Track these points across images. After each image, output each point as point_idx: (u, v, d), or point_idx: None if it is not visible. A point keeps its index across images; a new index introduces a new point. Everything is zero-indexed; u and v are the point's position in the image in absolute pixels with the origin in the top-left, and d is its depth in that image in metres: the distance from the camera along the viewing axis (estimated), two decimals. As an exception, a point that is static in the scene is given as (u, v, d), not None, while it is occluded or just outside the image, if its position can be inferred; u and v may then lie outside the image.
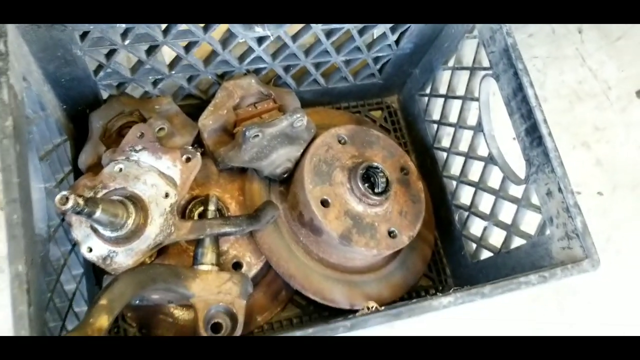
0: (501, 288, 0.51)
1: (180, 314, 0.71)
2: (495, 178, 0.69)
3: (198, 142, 0.71)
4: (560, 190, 0.56)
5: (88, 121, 0.69)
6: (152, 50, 0.63)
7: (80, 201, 0.49)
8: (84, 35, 0.57)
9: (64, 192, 0.48)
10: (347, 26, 0.68)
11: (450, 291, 0.50)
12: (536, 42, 1.04)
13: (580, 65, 1.04)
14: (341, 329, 0.47)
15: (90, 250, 0.59)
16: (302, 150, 0.71)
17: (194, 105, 0.75)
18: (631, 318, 0.86)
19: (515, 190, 0.65)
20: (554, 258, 0.57)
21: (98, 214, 0.53)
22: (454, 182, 0.78)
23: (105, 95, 0.70)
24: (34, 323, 0.44)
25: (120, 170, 0.61)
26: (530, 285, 0.51)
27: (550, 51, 1.04)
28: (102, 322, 0.48)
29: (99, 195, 0.59)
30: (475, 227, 0.75)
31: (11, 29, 0.50)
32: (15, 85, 0.50)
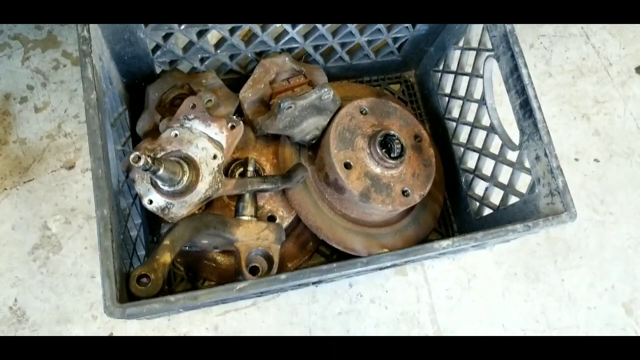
0: (491, 235, 0.61)
1: (222, 259, 0.83)
2: (495, 145, 0.79)
3: (239, 112, 0.82)
4: (546, 155, 0.66)
5: (145, 93, 0.81)
6: (202, 33, 0.74)
7: (149, 160, 0.61)
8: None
9: (137, 153, 0.59)
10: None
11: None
12: (544, 21, 1.12)
13: (584, 42, 1.11)
14: (359, 264, 0.58)
15: (151, 202, 0.71)
16: (328, 120, 0.81)
17: (234, 79, 0.86)
18: (617, 272, 0.97)
19: (512, 156, 0.75)
20: (540, 212, 0.67)
21: (161, 171, 0.64)
22: (461, 149, 0.88)
23: (158, 70, 0.81)
24: (115, 255, 0.56)
25: (176, 135, 0.72)
26: (517, 233, 0.62)
27: (557, 30, 1.12)
28: (166, 258, 0.60)
29: (159, 156, 0.71)
30: (479, 187, 0.85)
31: (92, 17, 0.61)
32: (96, 64, 0.61)
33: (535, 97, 0.68)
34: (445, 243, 0.60)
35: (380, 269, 0.68)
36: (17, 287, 0.81)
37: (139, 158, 0.59)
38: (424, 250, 0.60)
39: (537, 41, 1.10)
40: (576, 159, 1.04)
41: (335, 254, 0.89)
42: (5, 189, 0.85)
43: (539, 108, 0.68)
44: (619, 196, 1.02)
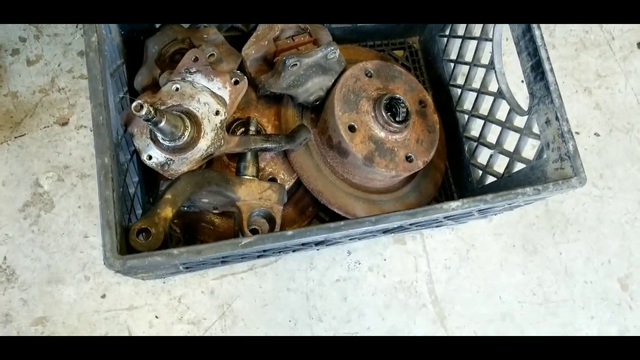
0: (501, 197, 0.60)
1: (220, 222, 0.81)
2: (502, 111, 0.78)
3: (241, 69, 0.79)
4: (557, 118, 0.64)
5: (143, 46, 0.77)
6: (205, -18, 0.71)
7: (152, 109, 0.58)
8: (149, -34, 0.64)
9: (139, 101, 0.57)
10: (379, -33, 0.75)
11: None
12: (550, -8, 1.10)
13: (589, 15, 1.10)
14: (367, 223, 0.57)
15: (150, 157, 0.68)
16: (333, 81, 0.79)
17: (235, 37, 0.83)
18: (614, 247, 0.97)
19: (519, 122, 0.74)
20: (548, 178, 0.67)
21: (163, 123, 0.61)
22: (466, 116, 0.87)
23: (157, 24, 0.78)
24: (116, 205, 0.54)
25: (177, 89, 0.69)
26: (526, 196, 0.61)
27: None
28: (167, 212, 0.59)
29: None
30: (482, 156, 0.84)
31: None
32: (97, 7, 0.58)
33: (548, 59, 0.66)
34: (454, 204, 0.59)
35: (387, 230, 0.67)
36: (6, 244, 0.79)
37: (141, 106, 0.56)
38: (433, 211, 0.59)
39: (542, 13, 1.09)
40: (577, 132, 1.03)
41: (335, 219, 0.87)
42: (-4, 143, 0.82)
43: (551, 70, 0.66)
44: (618, 171, 1.02)
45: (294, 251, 0.78)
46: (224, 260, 0.66)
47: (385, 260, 0.89)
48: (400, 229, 0.70)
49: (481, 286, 0.91)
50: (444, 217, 0.65)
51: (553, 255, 0.95)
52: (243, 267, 0.84)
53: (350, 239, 0.76)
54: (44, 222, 0.80)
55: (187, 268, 0.69)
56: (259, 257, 0.75)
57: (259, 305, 0.82)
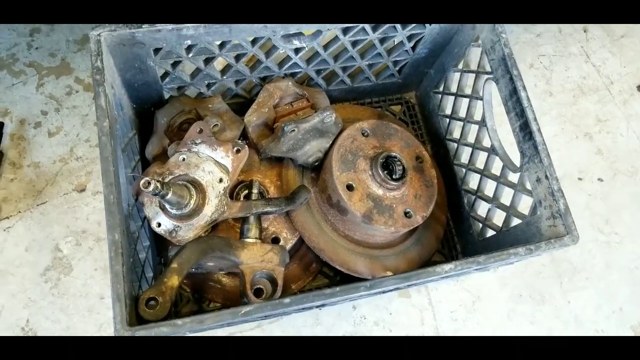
0: (494, 258, 0.62)
1: (227, 281, 0.84)
2: (497, 166, 0.80)
3: (244, 135, 0.84)
4: (546, 177, 0.67)
5: (154, 117, 0.83)
6: (209, 60, 0.76)
7: (159, 185, 0.63)
8: (157, 51, 0.70)
9: (147, 178, 0.61)
10: (369, 37, 0.80)
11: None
12: (543, 41, 1.13)
13: (584, 61, 1.13)
14: (362, 288, 0.59)
15: (159, 225, 0.72)
16: (331, 142, 0.83)
17: (239, 103, 0.88)
18: (624, 293, 0.96)
19: (513, 177, 0.76)
20: (543, 235, 0.68)
21: (170, 195, 0.66)
22: (463, 170, 0.89)
23: (167, 95, 0.84)
24: (126, 279, 0.57)
25: (184, 159, 0.74)
26: (519, 256, 0.62)
27: (557, 49, 1.13)
28: (174, 281, 0.62)
29: (167, 180, 0.73)
30: (481, 209, 0.86)
31: (104, 48, 0.64)
32: (109, 93, 0.63)
33: (535, 119, 0.69)
34: (447, 267, 0.61)
35: (384, 292, 0.69)
36: (29, 308, 0.83)
37: (149, 183, 0.61)
38: (427, 274, 0.61)
39: (537, 61, 1.12)
40: (579, 179, 1.04)
41: (338, 276, 0.89)
42: (20, 211, 0.87)
43: (539, 130, 0.69)
44: (624, 215, 1.02)
45: (297, 312, 0.81)
46: (229, 324, 0.69)
47: (390, 314, 0.90)
48: (398, 288, 0.72)
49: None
50: (441, 278, 0.67)
51: (562, 304, 0.95)
52: (251, 325, 0.86)
53: (352, 300, 0.77)
54: (63, 285, 0.85)
55: (198, 330, 0.72)
56: (262, 319, 0.77)
57: (266, 362, 0.84)
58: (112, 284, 0.55)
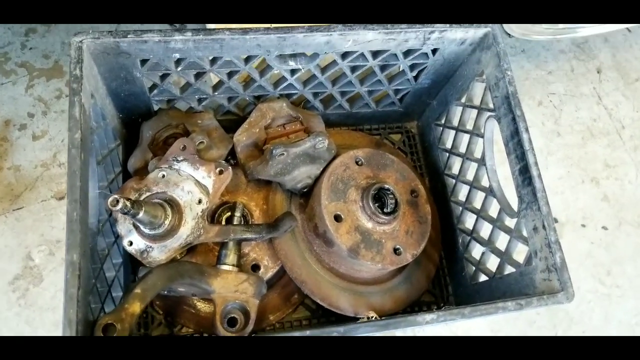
0: (480, 311, 0.57)
1: (202, 306, 0.80)
2: (494, 208, 0.76)
3: (232, 154, 0.80)
4: (544, 227, 0.62)
5: (139, 129, 0.80)
6: (200, 75, 0.73)
7: (128, 203, 0.59)
8: (144, 62, 0.67)
9: (115, 196, 0.57)
10: (369, 63, 0.76)
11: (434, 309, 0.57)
12: (555, 79, 1.09)
13: (596, 103, 1.09)
14: (335, 333, 0.55)
15: (131, 244, 0.69)
16: (321, 169, 0.79)
17: (231, 120, 0.85)
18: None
19: (510, 222, 0.72)
20: (536, 287, 0.63)
21: (141, 214, 0.62)
22: (460, 208, 0.85)
23: (156, 107, 0.81)
24: (80, 304, 0.53)
25: (163, 176, 0.70)
26: (507, 311, 0.58)
27: (568, 89, 1.09)
28: (135, 308, 0.57)
29: (143, 197, 0.69)
30: (475, 251, 0.81)
31: (87, 55, 0.61)
32: (85, 103, 0.60)
33: (536, 164, 0.65)
34: (429, 317, 0.56)
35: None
36: (-8, 318, 0.79)
37: (117, 202, 0.57)
38: (407, 323, 0.56)
39: (546, 99, 1.08)
40: (583, 225, 0.99)
41: (320, 309, 0.85)
42: (-6, 215, 0.84)
43: (539, 176, 0.64)
44: (628, 268, 0.96)
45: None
46: None
47: (372, 351, 0.85)
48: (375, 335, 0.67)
49: (475, 387, 0.86)
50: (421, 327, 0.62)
51: (555, 357, 0.89)
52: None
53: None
54: (31, 296, 0.81)
55: None
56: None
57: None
58: (64, 308, 0.51)
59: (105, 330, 0.55)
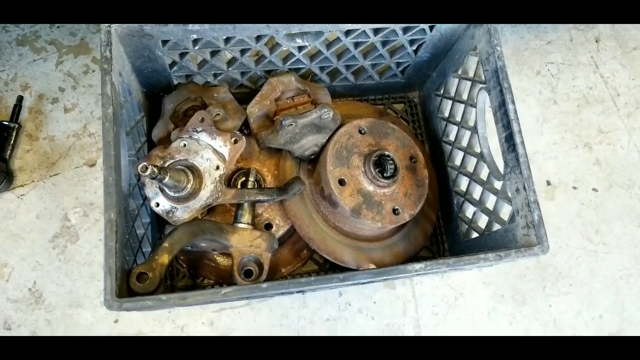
0: (463, 261, 0.65)
1: (221, 260, 0.90)
2: (485, 172, 0.83)
3: (246, 125, 0.88)
4: (524, 188, 0.69)
5: (162, 102, 0.88)
6: (215, 53, 0.80)
7: (155, 170, 0.67)
8: (164, 42, 0.74)
9: (144, 163, 0.66)
10: (371, 39, 0.82)
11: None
12: (553, 49, 1.13)
13: (593, 72, 1.13)
14: (336, 280, 0.63)
15: (158, 205, 0.78)
16: (327, 137, 0.87)
17: (244, 93, 0.92)
18: (606, 302, 0.99)
19: (498, 184, 0.79)
20: (518, 242, 0.71)
21: (167, 179, 0.71)
22: (455, 172, 0.92)
23: (176, 82, 0.88)
24: (118, 255, 0.62)
25: (185, 145, 0.79)
26: (488, 261, 0.66)
27: (566, 58, 1.13)
28: (164, 259, 0.67)
29: (167, 163, 0.78)
30: (468, 211, 0.89)
31: (114, 38, 0.68)
32: (115, 81, 0.68)
33: (519, 132, 0.71)
34: (417, 266, 0.64)
35: (357, 284, 0.73)
36: (37, 271, 0.90)
37: (146, 168, 0.66)
38: (398, 272, 0.64)
39: (544, 68, 1.12)
40: (574, 187, 1.06)
41: (327, 263, 0.94)
42: (33, 181, 0.94)
43: (522, 143, 0.71)
44: (615, 227, 1.03)
45: (280, 295, 0.85)
46: (212, 302, 0.74)
47: (374, 303, 0.95)
48: (372, 281, 0.76)
49: (467, 334, 0.95)
50: (412, 276, 0.70)
51: (542, 307, 0.98)
52: (241, 303, 0.91)
53: (331, 288, 0.82)
54: (69, 252, 0.91)
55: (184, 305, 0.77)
56: (246, 299, 0.82)
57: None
58: (105, 259, 0.61)
59: (139, 277, 0.65)
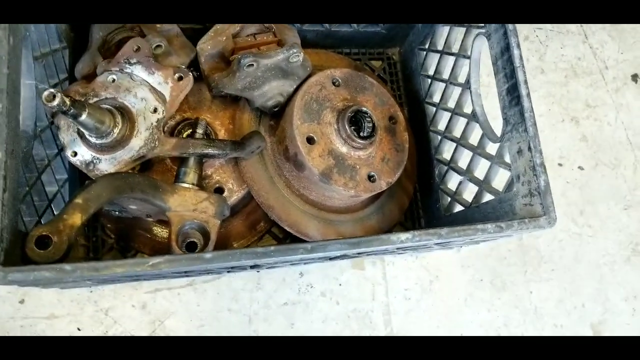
0: (458, 232, 0.53)
1: (159, 230, 0.74)
2: (475, 136, 0.71)
3: (194, 65, 0.72)
4: (530, 149, 0.58)
5: (89, 31, 0.70)
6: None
7: (67, 101, 0.51)
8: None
9: (52, 90, 0.49)
10: (352, -34, 0.68)
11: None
12: (543, 13, 1.04)
13: (582, 41, 1.04)
14: (301, 251, 0.49)
15: (75, 154, 0.61)
16: (295, 86, 0.72)
17: (195, 30, 0.75)
18: (589, 290, 0.91)
19: (491, 149, 0.67)
20: (516, 214, 0.60)
21: (84, 117, 0.54)
22: (438, 137, 0.80)
23: (106, 7, 0.71)
24: (6, 209, 0.46)
25: (113, 80, 0.62)
26: (487, 233, 0.54)
27: (555, 25, 1.04)
28: (75, 219, 0.51)
29: (90, 102, 0.61)
30: (452, 182, 0.77)
31: None
32: (16, -21, 0.50)
33: (525, 82, 0.60)
34: (404, 236, 0.51)
35: (328, 258, 0.60)
36: None
37: (54, 97, 0.49)
38: (380, 242, 0.51)
39: (532, 34, 1.03)
40: (560, 164, 0.97)
41: (289, 238, 0.80)
42: None
43: (528, 95, 0.60)
44: (600, 208, 0.95)
45: (228, 271, 0.71)
46: (136, 277, 0.59)
47: (340, 285, 0.82)
48: (346, 256, 0.63)
49: (442, 321, 0.84)
50: (396, 249, 0.58)
51: (523, 294, 0.88)
52: (181, 282, 0.76)
53: (293, 264, 0.68)
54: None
55: (102, 281, 0.61)
56: (185, 275, 0.67)
57: (194, 326, 0.75)
58: (-13, 213, 0.44)
59: (39, 243, 0.48)
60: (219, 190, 0.72)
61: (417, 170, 0.85)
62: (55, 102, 0.49)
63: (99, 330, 0.73)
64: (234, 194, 0.72)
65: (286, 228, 0.72)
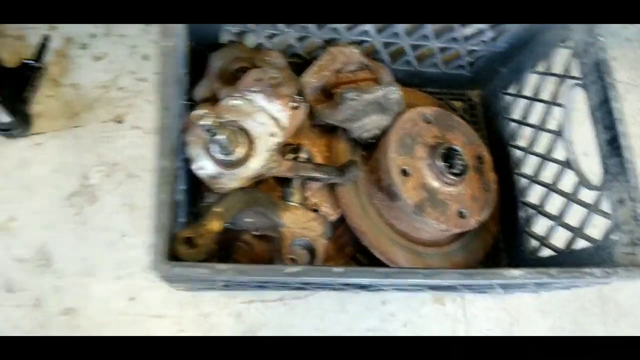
0: (567, 273, 0.55)
1: (257, 243, 0.77)
2: (566, 182, 0.73)
3: (299, 96, 0.78)
4: (632, 199, 0.60)
5: (207, 59, 0.78)
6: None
7: (213, 119, 0.57)
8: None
9: (203, 110, 0.56)
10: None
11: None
12: (619, 67, 1.07)
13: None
14: (420, 275, 0.53)
15: (202, 168, 0.67)
16: (390, 121, 0.77)
17: (296, 64, 0.82)
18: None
19: (585, 196, 0.69)
20: (615, 262, 0.61)
21: (223, 136, 0.60)
22: (525, 181, 0.82)
23: (224, 40, 0.78)
24: (171, 211, 0.52)
25: (235, 105, 0.68)
26: (594, 277, 0.56)
27: (633, 78, 1.07)
28: (214, 225, 0.57)
29: (220, 123, 0.67)
30: (539, 225, 0.79)
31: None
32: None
33: (625, 134, 0.63)
34: (517, 272, 0.54)
35: (435, 287, 0.63)
36: (48, 230, 0.78)
37: (203, 116, 0.55)
38: (493, 276, 0.54)
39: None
40: None
41: (373, 264, 0.83)
42: (53, 130, 0.82)
43: (629, 146, 0.62)
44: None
45: (333, 289, 0.74)
46: (261, 285, 0.63)
47: (420, 317, 0.83)
48: (449, 288, 0.66)
49: (516, 364, 0.84)
50: (499, 285, 0.60)
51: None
52: (273, 296, 0.80)
53: (394, 289, 0.71)
54: (86, 214, 0.79)
55: (225, 286, 0.66)
56: (296, 288, 0.71)
57: (283, 339, 0.78)
58: (156, 214, 0.50)
59: (186, 243, 0.54)
60: (315, 212, 0.76)
61: (500, 212, 0.87)
62: (204, 121, 0.55)
63: (198, 334, 0.77)
64: (328, 216, 0.77)
65: (377, 255, 0.75)
